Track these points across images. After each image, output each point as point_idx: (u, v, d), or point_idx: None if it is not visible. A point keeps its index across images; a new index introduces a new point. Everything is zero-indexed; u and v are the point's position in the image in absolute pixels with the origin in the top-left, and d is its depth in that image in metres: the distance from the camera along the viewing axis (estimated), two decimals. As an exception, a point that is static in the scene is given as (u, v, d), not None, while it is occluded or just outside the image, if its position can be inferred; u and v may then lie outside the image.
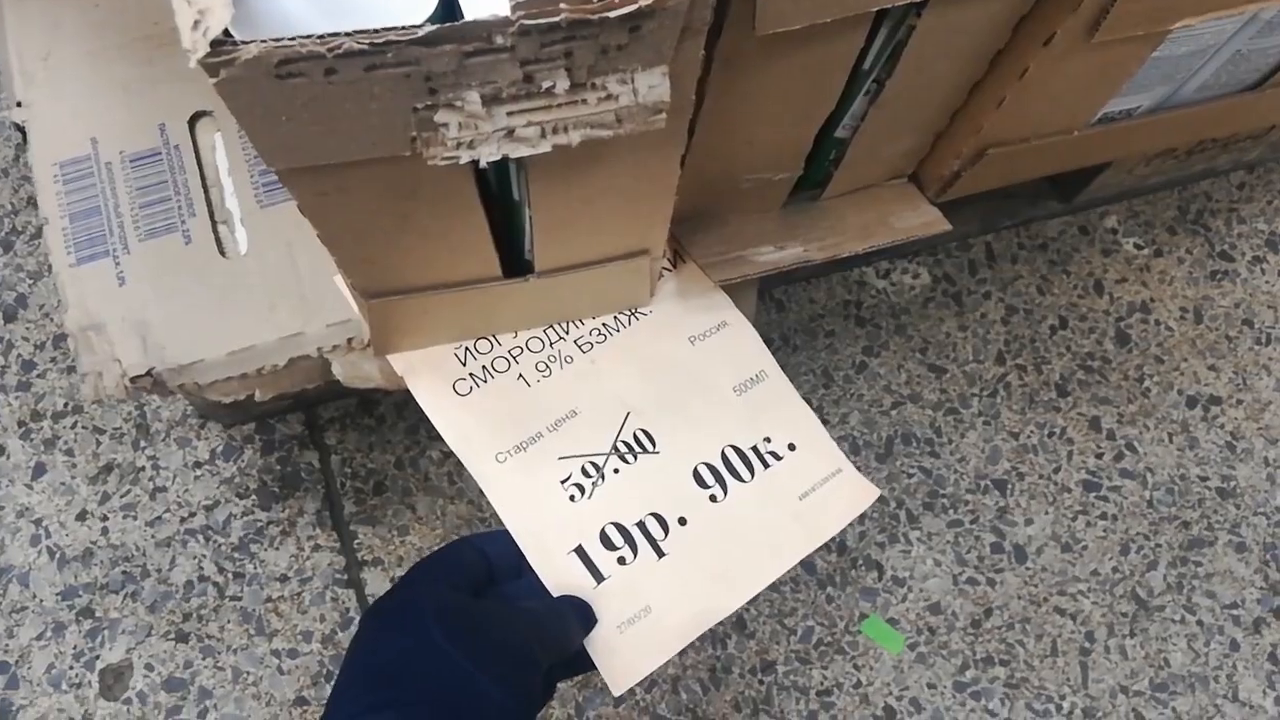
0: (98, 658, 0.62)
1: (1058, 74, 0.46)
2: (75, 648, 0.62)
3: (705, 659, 0.65)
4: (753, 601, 0.65)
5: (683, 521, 0.49)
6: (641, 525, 0.49)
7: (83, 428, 0.67)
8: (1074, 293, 0.76)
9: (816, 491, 0.52)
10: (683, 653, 0.60)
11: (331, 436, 0.68)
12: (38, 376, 0.68)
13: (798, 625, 0.66)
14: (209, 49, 0.27)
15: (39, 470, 0.66)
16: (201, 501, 0.66)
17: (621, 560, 0.48)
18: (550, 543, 0.47)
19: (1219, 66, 0.53)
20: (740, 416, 0.52)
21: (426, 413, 0.50)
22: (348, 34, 0.28)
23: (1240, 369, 0.75)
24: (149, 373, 0.50)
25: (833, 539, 0.64)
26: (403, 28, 0.29)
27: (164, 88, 0.57)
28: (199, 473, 0.66)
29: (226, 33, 0.27)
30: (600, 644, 0.46)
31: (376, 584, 0.64)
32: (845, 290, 0.74)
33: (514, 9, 0.29)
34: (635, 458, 0.51)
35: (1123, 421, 0.73)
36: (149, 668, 0.62)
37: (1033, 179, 0.63)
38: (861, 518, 0.68)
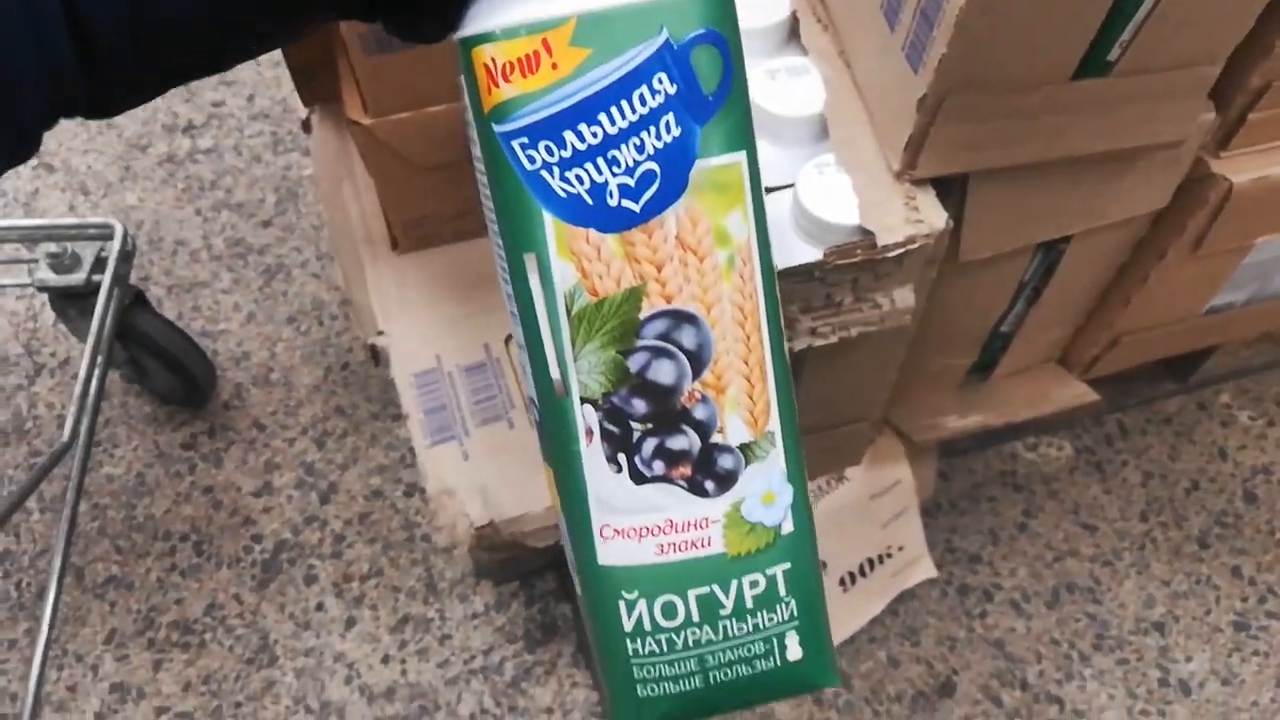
0: (401, 779, 0.75)
1: (1171, 279, 0.63)
2: (382, 771, 0.75)
3: (914, 784, 0.74)
4: (953, 728, 0.75)
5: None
6: None
7: (384, 587, 0.83)
8: (1201, 459, 0.88)
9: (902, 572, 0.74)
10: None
11: (581, 591, 0.82)
12: (347, 547, 0.86)
13: (993, 754, 0.75)
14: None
15: (350, 623, 0.82)
16: (480, 646, 0.80)
17: None
18: None
19: (1296, 268, 0.69)
20: (878, 538, 0.71)
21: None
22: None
23: (1364, 522, 0.84)
24: (490, 523, 0.67)
25: (1014, 676, 0.75)
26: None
27: (482, 318, 0.77)
28: (476, 622, 0.81)
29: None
30: None
31: (627, 715, 0.76)
32: (1000, 463, 0.88)
33: (826, 254, 0.47)
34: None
35: (1261, 569, 0.82)
36: (441, 789, 0.74)
37: (1150, 363, 0.78)
38: (1038, 657, 0.78)
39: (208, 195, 1.09)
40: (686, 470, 0.27)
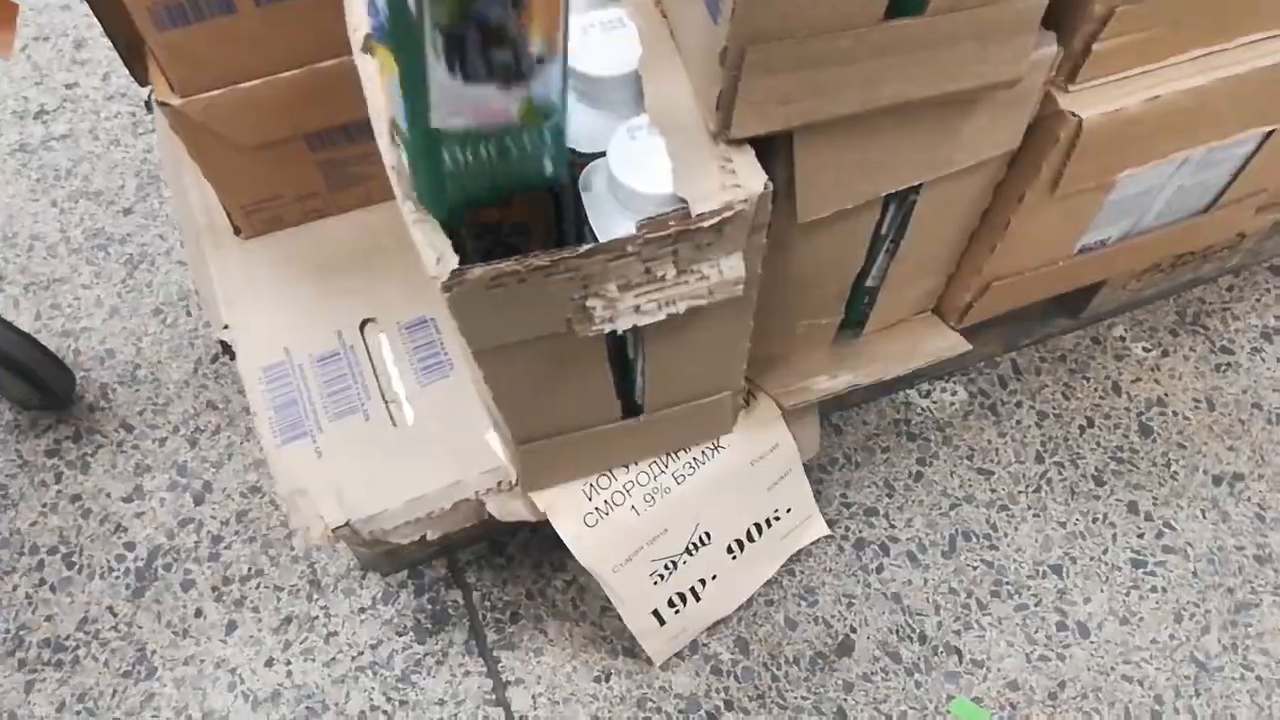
0: (289, 785, 0.72)
1: (1034, 222, 0.60)
2: (269, 778, 0.73)
3: (813, 747, 0.73)
4: (849, 691, 0.74)
5: (714, 577, 0.72)
6: (693, 589, 0.71)
7: (265, 587, 0.80)
8: (1095, 395, 0.87)
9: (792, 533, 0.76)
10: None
11: (470, 576, 0.80)
12: (225, 548, 0.82)
13: (893, 710, 0.74)
14: (449, 275, 0.41)
15: (231, 626, 0.78)
16: (367, 641, 0.77)
17: (677, 612, 0.71)
18: (639, 609, 0.68)
19: (1168, 198, 0.67)
20: (764, 502, 0.71)
21: (567, 543, 0.63)
22: (531, 254, 0.43)
23: (1257, 447, 0.84)
24: (346, 524, 0.64)
25: (912, 629, 0.74)
26: (569, 248, 0.43)
27: (336, 302, 0.73)
28: (363, 617, 0.78)
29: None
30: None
31: (521, 701, 0.74)
32: (894, 411, 0.86)
33: (638, 227, 0.44)
34: (697, 550, 0.69)
35: (1158, 503, 0.82)
36: (332, 791, 0.72)
37: (1037, 302, 0.76)
38: (936, 608, 0.77)
39: (64, 184, 1.03)
40: (503, 74, 0.37)
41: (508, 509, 0.64)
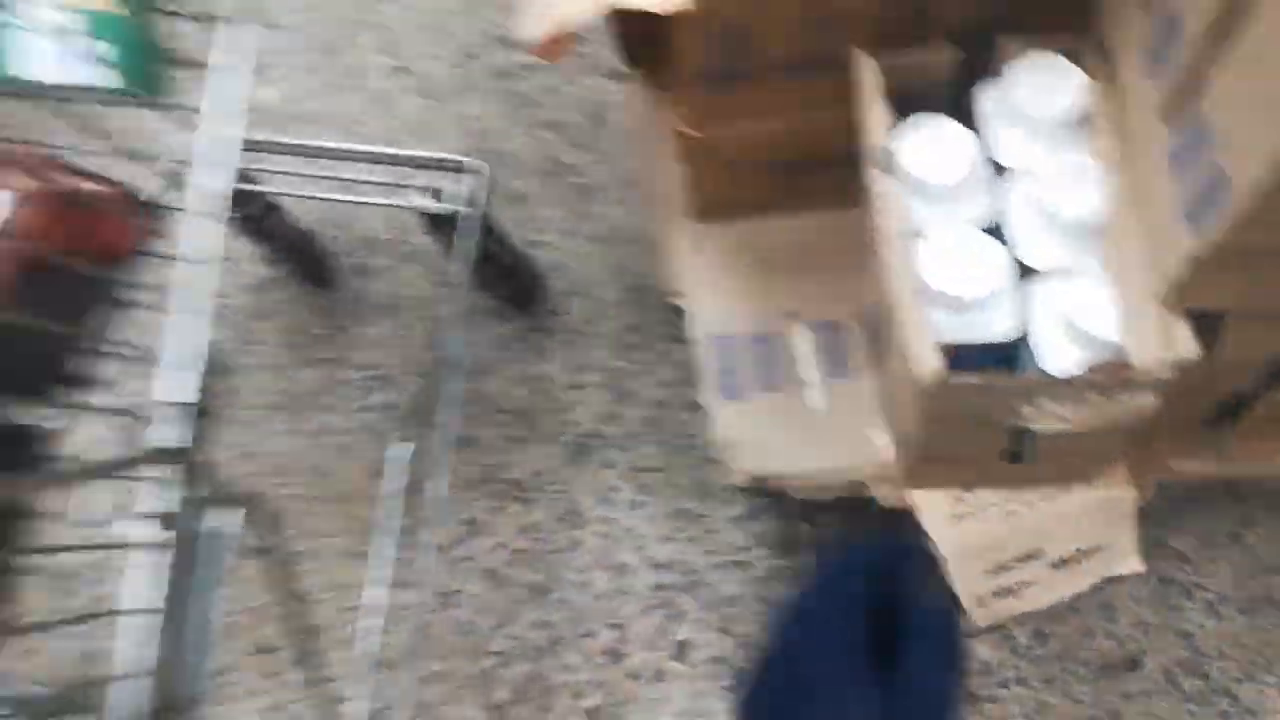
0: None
1: None
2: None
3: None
4: (1128, 701, 0.87)
5: (1035, 583, 0.83)
6: (1012, 589, 0.82)
7: (665, 482, 1.04)
8: None
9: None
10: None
11: (818, 515, 0.99)
12: (639, 443, 1.07)
13: (1159, 723, 0.87)
14: (930, 378, 0.58)
15: (638, 505, 1.04)
16: (739, 544, 1.00)
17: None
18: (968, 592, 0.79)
19: None
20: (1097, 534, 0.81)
21: (929, 533, 0.80)
22: (996, 375, 0.58)
23: None
24: (763, 475, 0.84)
25: (1196, 667, 0.86)
26: (1026, 374, 0.58)
27: (769, 290, 0.91)
28: (736, 525, 1.01)
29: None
30: None
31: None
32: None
33: (1091, 369, 0.57)
34: (1026, 561, 0.82)
35: None
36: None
37: None
38: (1222, 654, 0.88)
39: (529, 111, 1.26)
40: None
41: (888, 495, 0.82)
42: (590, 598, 1.01)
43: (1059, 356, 0.60)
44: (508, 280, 1.09)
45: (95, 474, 0.50)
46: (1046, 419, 0.60)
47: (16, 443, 0.50)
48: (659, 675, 0.97)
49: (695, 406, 1.08)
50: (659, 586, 1.00)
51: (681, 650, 0.98)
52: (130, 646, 0.47)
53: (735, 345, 0.89)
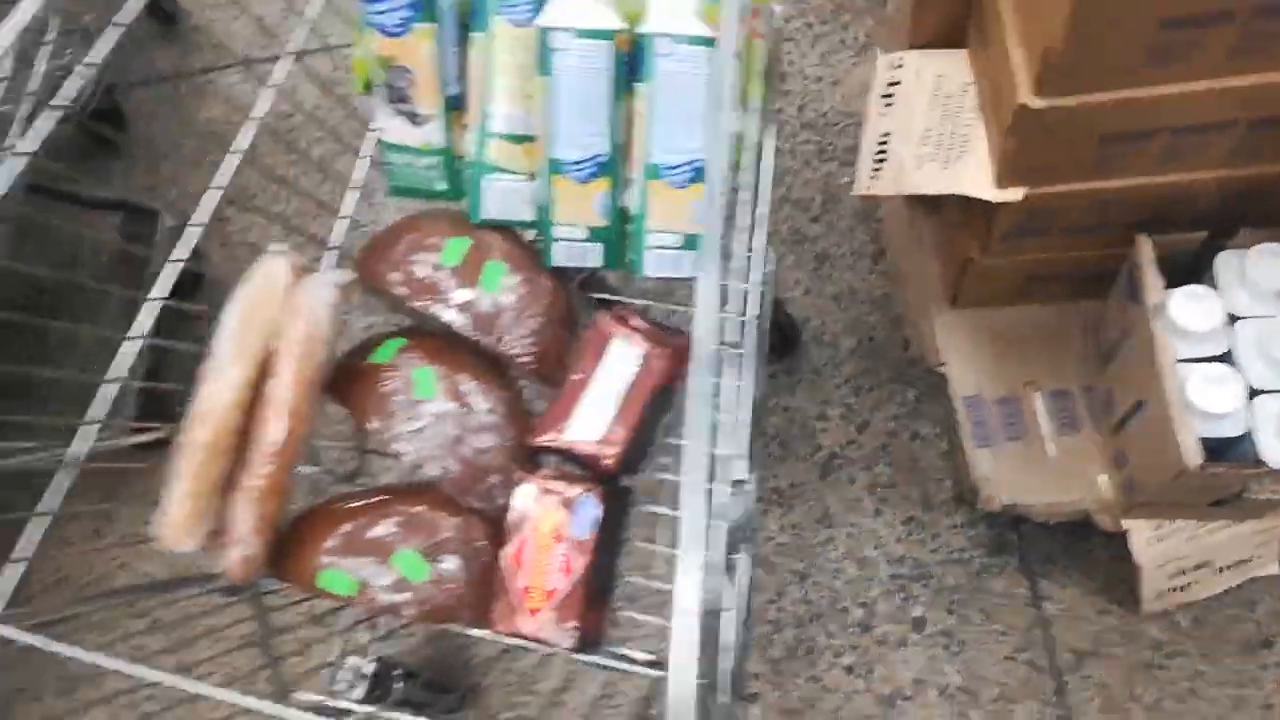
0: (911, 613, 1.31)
1: None
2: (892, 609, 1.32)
3: None
4: (1264, 670, 1.20)
5: (1201, 583, 1.10)
6: (1184, 587, 1.10)
7: (897, 496, 1.36)
8: None
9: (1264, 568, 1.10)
10: None
11: (1024, 525, 1.31)
12: (876, 465, 1.39)
13: (1283, 686, 1.20)
14: (1194, 464, 0.89)
15: (877, 513, 1.36)
16: (958, 546, 1.32)
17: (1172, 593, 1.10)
18: (1151, 583, 1.10)
19: None
20: (1259, 548, 1.12)
21: (1133, 551, 1.12)
22: (1233, 464, 0.89)
23: None
24: (1011, 503, 1.16)
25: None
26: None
27: (1011, 362, 1.22)
28: (956, 530, 1.33)
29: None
30: None
31: (1049, 609, 1.27)
32: None
33: (1294, 463, 0.89)
34: (1200, 568, 1.11)
35: None
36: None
37: None
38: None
39: (776, 190, 1.56)
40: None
41: (1108, 522, 1.14)
42: (843, 582, 1.34)
43: (1272, 452, 0.91)
44: (774, 332, 1.40)
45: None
46: (1264, 492, 0.91)
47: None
48: (901, 642, 1.30)
49: (919, 436, 1.40)
50: (895, 576, 1.33)
51: (917, 624, 1.31)
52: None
53: (985, 404, 1.21)
